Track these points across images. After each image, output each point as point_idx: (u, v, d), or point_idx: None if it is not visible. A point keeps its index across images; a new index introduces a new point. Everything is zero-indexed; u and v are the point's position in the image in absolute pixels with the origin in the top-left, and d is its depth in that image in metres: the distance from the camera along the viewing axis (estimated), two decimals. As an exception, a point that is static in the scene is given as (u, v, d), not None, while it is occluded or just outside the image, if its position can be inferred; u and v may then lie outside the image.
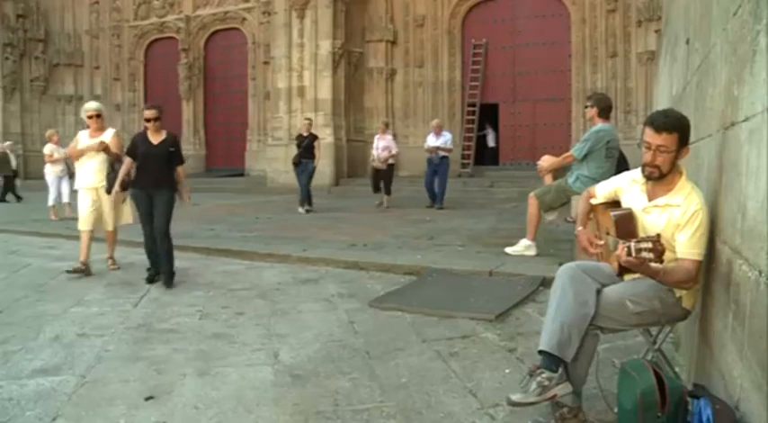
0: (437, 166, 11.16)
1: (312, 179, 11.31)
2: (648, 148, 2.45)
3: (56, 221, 9.99)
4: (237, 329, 4.12)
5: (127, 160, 5.67)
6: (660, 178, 2.48)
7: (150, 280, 5.50)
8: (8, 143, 16.03)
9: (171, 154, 5.54)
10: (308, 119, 12.25)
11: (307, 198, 11.02)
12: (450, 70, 17.21)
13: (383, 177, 11.69)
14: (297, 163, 11.20)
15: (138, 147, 5.53)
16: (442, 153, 11.13)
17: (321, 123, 15.89)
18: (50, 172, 10.84)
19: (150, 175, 5.46)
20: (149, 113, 5.50)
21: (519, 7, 16.54)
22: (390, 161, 11.70)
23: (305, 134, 11.36)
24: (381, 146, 11.71)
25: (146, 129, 5.59)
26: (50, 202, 10.67)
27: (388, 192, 11.65)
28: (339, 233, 8.03)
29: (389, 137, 12.03)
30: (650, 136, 2.43)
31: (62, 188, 10.78)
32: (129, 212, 6.12)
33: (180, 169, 5.68)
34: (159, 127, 5.52)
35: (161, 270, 5.48)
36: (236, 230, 8.56)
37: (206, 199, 13.58)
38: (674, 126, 2.42)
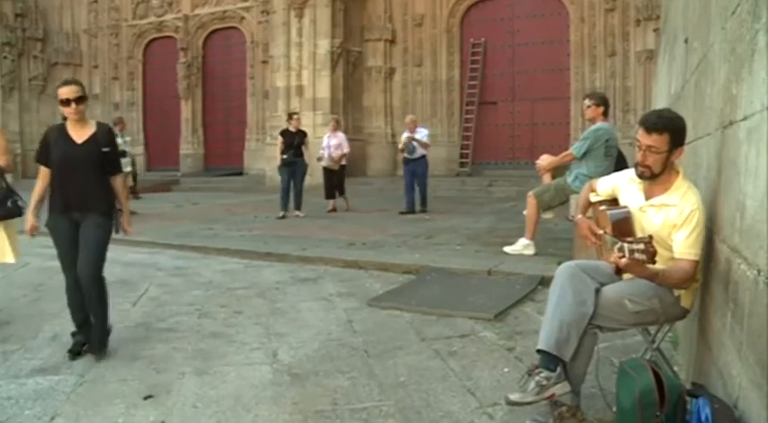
0: (414, 165, 10.34)
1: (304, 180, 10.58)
2: (640, 147, 2.46)
3: None
4: (236, 328, 4.12)
5: (41, 171, 3.63)
6: (652, 178, 2.49)
7: (76, 352, 3.56)
8: None
9: (103, 157, 3.59)
10: (296, 113, 11.30)
11: (299, 201, 10.29)
12: (448, 69, 17.19)
13: (336, 179, 10.85)
14: (291, 162, 10.21)
15: (51, 148, 3.57)
16: (420, 151, 10.27)
17: (320, 123, 15.85)
18: None
19: (73, 192, 3.54)
20: (66, 91, 3.53)
21: (517, 6, 16.52)
22: (342, 161, 10.89)
23: (293, 130, 10.36)
24: (333, 144, 10.85)
25: (64, 120, 3.65)
26: None
27: (342, 193, 10.89)
28: (338, 232, 8.03)
29: (341, 134, 11.19)
30: (641, 136, 2.45)
31: None
32: (12, 249, 4.15)
33: (118, 181, 3.75)
34: (84, 117, 3.62)
35: (90, 331, 3.62)
36: (234, 229, 8.55)
37: (204, 198, 13.60)
38: (665, 127, 2.41)
